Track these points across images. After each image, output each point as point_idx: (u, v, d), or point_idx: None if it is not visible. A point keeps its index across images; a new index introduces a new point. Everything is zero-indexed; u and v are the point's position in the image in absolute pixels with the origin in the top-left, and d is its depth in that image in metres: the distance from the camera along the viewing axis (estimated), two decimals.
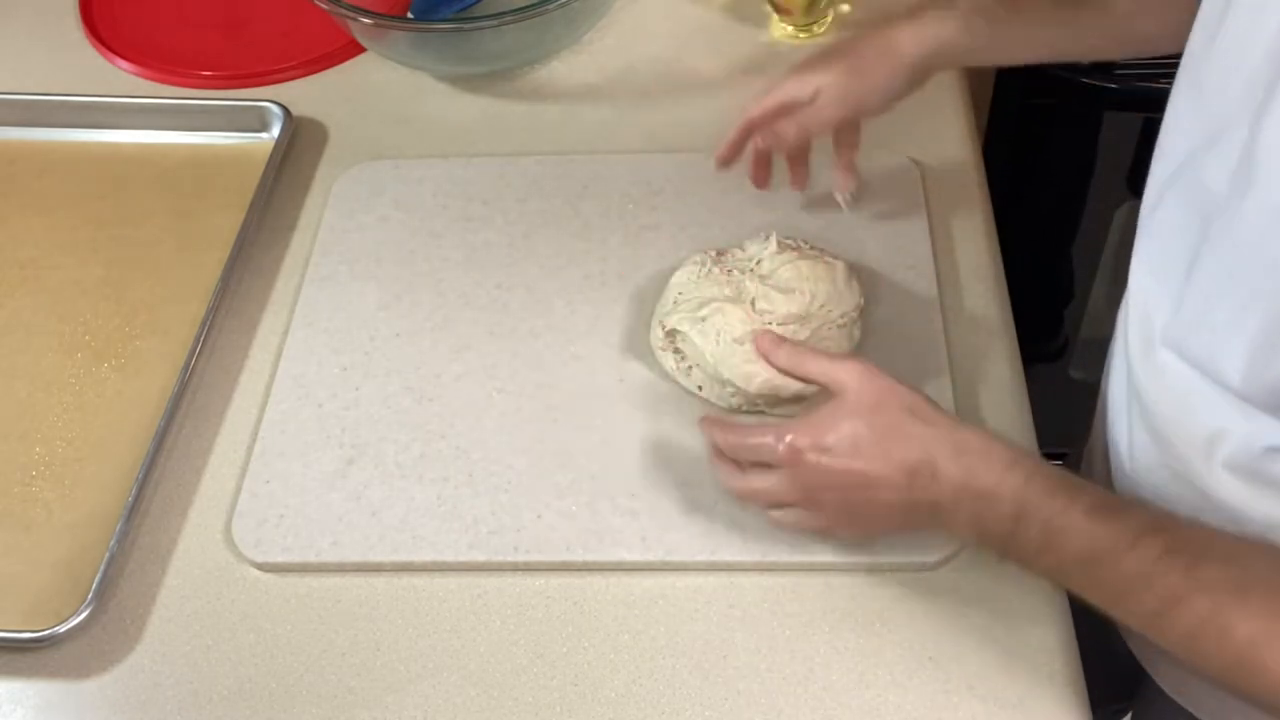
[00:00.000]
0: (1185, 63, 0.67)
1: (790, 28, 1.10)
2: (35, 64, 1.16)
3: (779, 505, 0.73)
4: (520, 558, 0.77)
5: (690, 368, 0.83)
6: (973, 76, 1.13)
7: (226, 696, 0.74)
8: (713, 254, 0.86)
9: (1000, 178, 1.02)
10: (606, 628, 0.75)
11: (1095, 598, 0.63)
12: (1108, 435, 0.82)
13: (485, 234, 0.96)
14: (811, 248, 0.85)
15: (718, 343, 0.80)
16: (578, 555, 0.77)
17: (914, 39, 0.81)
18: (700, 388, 0.83)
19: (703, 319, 0.81)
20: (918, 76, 0.83)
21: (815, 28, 1.10)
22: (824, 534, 0.74)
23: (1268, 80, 0.58)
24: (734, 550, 0.76)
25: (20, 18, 1.21)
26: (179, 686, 0.75)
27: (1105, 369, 0.83)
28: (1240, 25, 0.61)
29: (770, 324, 0.80)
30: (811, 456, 0.68)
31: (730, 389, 0.81)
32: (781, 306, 0.81)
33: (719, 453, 0.75)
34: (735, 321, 0.80)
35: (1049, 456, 0.84)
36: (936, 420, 0.67)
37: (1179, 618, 0.58)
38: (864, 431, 0.67)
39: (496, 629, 0.75)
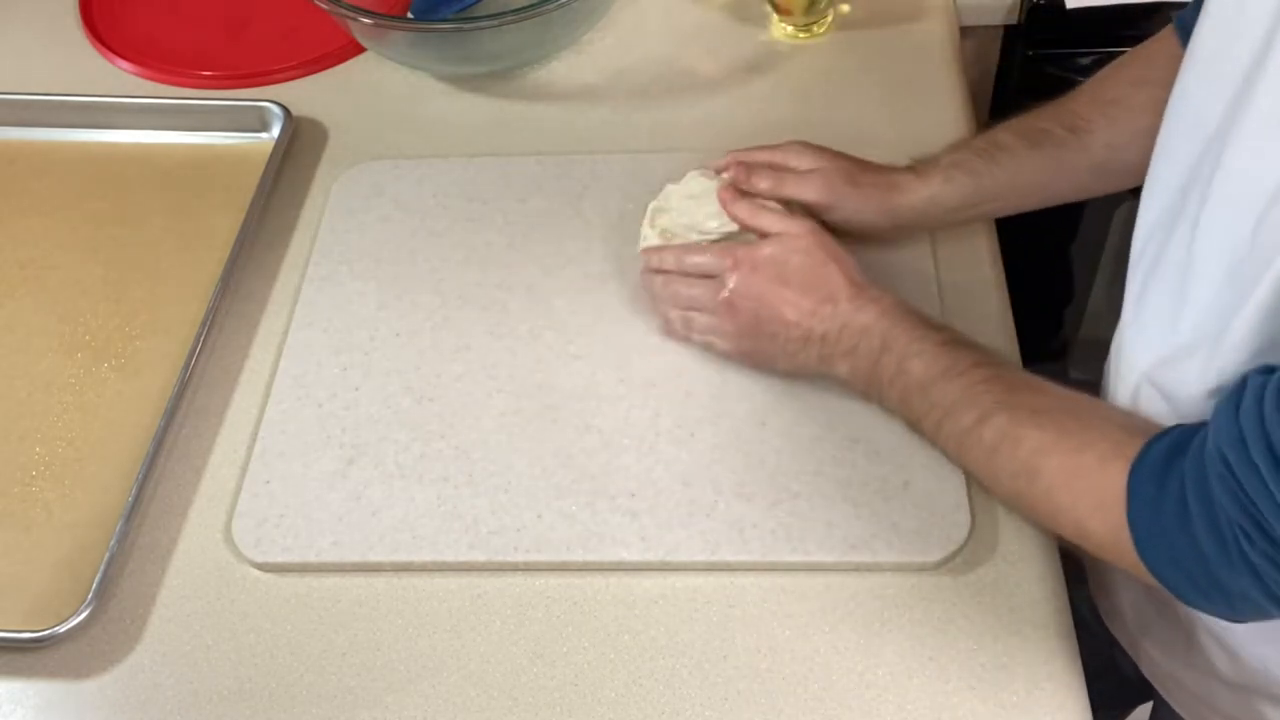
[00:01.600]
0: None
1: (790, 28, 1.10)
2: (35, 64, 1.16)
3: (699, 310, 0.83)
4: (520, 558, 0.77)
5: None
6: (973, 76, 1.13)
7: (226, 696, 0.74)
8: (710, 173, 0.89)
9: None
10: (606, 628, 0.75)
11: (927, 423, 0.74)
12: None
13: (485, 234, 0.96)
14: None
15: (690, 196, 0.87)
16: (578, 555, 0.77)
17: (912, 193, 0.85)
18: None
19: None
20: (897, 224, 0.86)
21: (815, 28, 1.10)
22: (719, 343, 0.84)
23: (1224, 114, 0.59)
24: (734, 550, 0.76)
25: (20, 18, 1.21)
26: (179, 686, 0.75)
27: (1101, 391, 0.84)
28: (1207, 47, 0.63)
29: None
30: (746, 266, 0.80)
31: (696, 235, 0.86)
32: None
33: (655, 272, 0.86)
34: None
35: None
36: (856, 278, 0.79)
37: (985, 431, 0.69)
38: (793, 261, 0.80)
39: (496, 629, 0.75)
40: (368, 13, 1.01)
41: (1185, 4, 0.77)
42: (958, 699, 0.70)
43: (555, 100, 1.08)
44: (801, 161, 0.87)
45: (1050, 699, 0.70)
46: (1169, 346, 0.67)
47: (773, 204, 0.84)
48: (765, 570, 0.76)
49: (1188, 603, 0.62)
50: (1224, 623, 0.74)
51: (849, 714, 0.70)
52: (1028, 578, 0.75)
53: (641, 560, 0.77)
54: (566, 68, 1.10)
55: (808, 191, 0.84)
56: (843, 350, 0.77)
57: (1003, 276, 0.91)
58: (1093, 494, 0.63)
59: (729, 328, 0.82)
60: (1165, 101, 0.78)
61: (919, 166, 0.86)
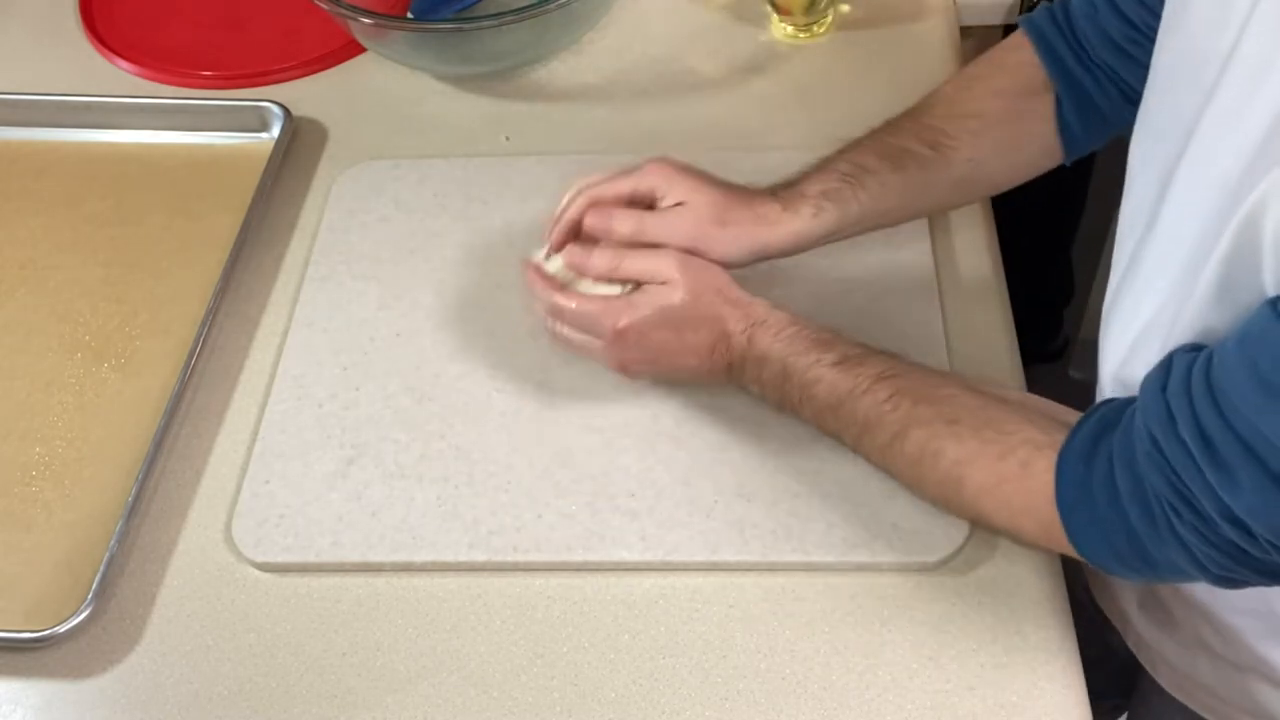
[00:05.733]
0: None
1: (790, 28, 1.10)
2: (35, 64, 1.16)
3: (597, 357, 0.81)
4: (520, 558, 0.77)
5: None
6: None
7: (226, 696, 0.74)
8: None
9: None
10: (606, 628, 0.75)
11: (846, 438, 0.75)
12: None
13: (485, 234, 0.96)
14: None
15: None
16: (578, 555, 0.77)
17: (781, 227, 0.79)
18: None
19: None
20: (760, 259, 0.81)
21: (815, 28, 1.10)
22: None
23: (1178, 144, 0.61)
24: (734, 550, 0.76)
25: (20, 18, 1.21)
26: (179, 686, 0.75)
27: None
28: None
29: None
30: (633, 337, 0.77)
31: None
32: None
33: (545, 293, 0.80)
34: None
35: None
36: (737, 298, 0.78)
37: (904, 447, 0.70)
38: (678, 314, 0.77)
39: (496, 629, 0.76)
40: (368, 13, 1.01)
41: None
42: (958, 699, 0.70)
43: (555, 100, 1.08)
44: (667, 190, 0.80)
45: (1050, 699, 0.70)
46: (1131, 339, 0.68)
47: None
48: (765, 570, 0.76)
49: (1113, 573, 0.65)
50: (1209, 596, 0.75)
51: (849, 714, 0.71)
52: (1027, 577, 0.75)
53: (641, 560, 0.77)
54: (566, 68, 1.10)
55: (675, 235, 0.78)
56: (749, 378, 0.78)
57: (1003, 276, 0.91)
58: (1020, 497, 0.65)
59: (633, 373, 0.82)
60: (1024, 111, 0.81)
61: (784, 196, 0.80)
